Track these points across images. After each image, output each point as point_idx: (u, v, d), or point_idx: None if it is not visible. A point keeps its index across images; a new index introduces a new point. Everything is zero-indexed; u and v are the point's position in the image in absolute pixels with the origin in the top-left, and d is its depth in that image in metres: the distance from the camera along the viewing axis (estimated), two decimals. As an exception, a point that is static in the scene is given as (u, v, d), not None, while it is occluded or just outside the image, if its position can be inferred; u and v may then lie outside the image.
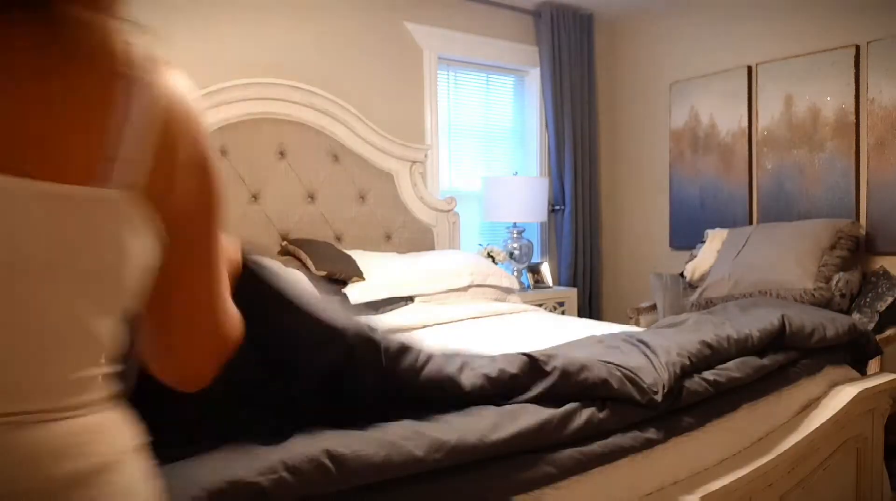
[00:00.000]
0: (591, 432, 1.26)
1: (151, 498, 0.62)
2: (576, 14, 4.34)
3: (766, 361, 1.70)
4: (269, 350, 0.98)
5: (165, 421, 0.74)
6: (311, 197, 3.28)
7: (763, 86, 3.75)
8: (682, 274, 3.74)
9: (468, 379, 1.18)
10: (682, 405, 1.47)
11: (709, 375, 1.54)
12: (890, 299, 2.91)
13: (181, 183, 0.60)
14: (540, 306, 3.69)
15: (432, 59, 3.86)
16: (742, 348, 1.65)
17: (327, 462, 0.93)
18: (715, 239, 3.64)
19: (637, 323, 3.69)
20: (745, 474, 1.43)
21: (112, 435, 0.58)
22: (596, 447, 1.26)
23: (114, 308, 0.58)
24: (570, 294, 4.10)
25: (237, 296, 0.74)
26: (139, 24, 0.58)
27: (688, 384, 1.48)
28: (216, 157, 0.64)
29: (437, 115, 3.91)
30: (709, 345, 1.56)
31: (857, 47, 3.35)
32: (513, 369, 1.24)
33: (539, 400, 1.22)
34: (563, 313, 3.97)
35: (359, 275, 2.89)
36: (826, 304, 2.98)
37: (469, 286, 3.21)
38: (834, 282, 3.04)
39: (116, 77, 0.55)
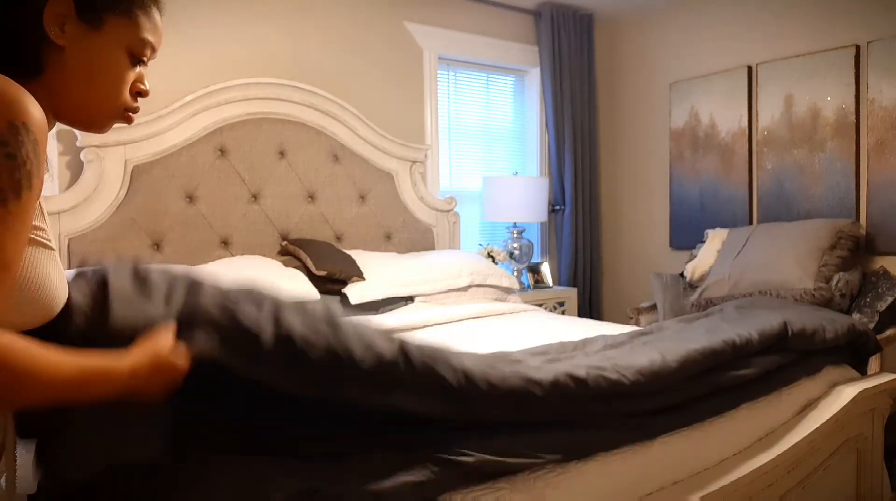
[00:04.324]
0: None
1: None
2: (576, 14, 4.34)
3: (766, 361, 1.70)
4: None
5: None
6: (311, 197, 3.29)
7: (763, 86, 3.75)
8: (682, 274, 3.74)
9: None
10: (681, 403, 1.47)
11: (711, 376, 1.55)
12: (890, 299, 2.91)
13: None
14: (540, 306, 3.70)
15: (432, 59, 3.86)
16: (743, 351, 1.64)
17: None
18: (715, 239, 3.64)
19: (637, 323, 3.69)
20: (745, 474, 1.43)
21: None
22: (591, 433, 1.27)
23: None
24: (570, 294, 4.10)
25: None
26: None
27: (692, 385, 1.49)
28: None
29: (437, 115, 3.91)
30: (712, 350, 1.56)
31: (857, 47, 3.35)
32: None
33: None
34: (563, 313, 3.97)
35: (359, 275, 2.89)
36: (826, 304, 2.98)
37: (469, 286, 3.22)
38: (834, 282, 3.04)
39: None
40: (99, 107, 0.89)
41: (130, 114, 0.92)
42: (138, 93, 0.92)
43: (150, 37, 0.90)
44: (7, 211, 0.71)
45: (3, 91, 0.72)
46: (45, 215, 0.84)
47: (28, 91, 0.77)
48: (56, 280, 0.84)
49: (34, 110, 0.75)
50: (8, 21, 0.79)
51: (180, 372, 0.87)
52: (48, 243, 0.84)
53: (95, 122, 0.90)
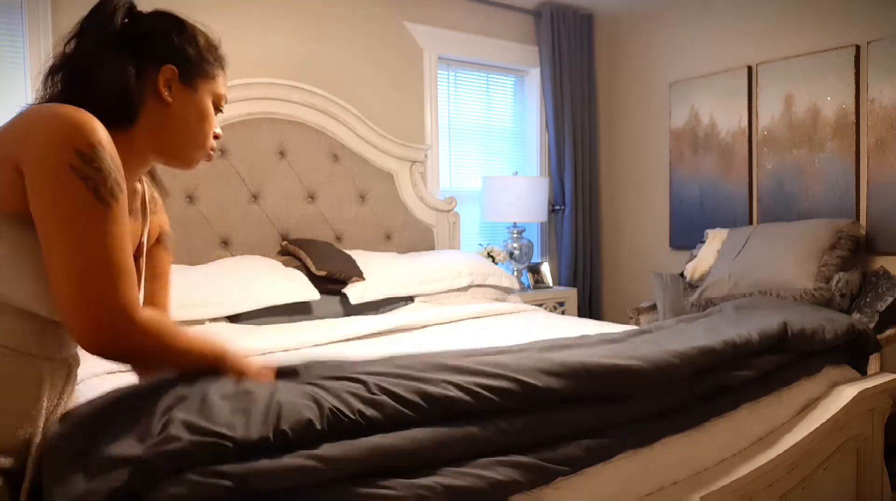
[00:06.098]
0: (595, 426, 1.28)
1: None
2: (576, 14, 4.34)
3: (766, 361, 1.70)
4: None
5: None
6: (311, 197, 3.29)
7: (763, 86, 3.75)
8: (682, 274, 3.74)
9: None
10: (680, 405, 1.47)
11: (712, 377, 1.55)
12: (890, 299, 2.91)
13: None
14: (540, 306, 3.70)
15: (432, 59, 3.86)
16: (743, 351, 1.64)
17: None
18: (715, 239, 3.64)
19: (637, 323, 3.69)
20: (745, 474, 1.43)
21: None
22: (594, 442, 1.27)
23: None
24: (570, 294, 4.10)
25: None
26: None
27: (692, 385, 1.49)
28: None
29: (437, 115, 3.91)
30: (712, 350, 1.56)
31: (857, 47, 3.36)
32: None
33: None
34: (563, 313, 3.97)
35: (359, 275, 2.89)
36: (826, 304, 2.98)
37: (469, 286, 3.22)
38: (834, 282, 3.04)
39: None
40: (195, 148, 1.12)
41: (212, 152, 1.16)
42: (214, 136, 1.16)
43: (224, 91, 1.16)
44: (113, 210, 0.92)
45: (76, 119, 0.91)
46: None
47: (127, 135, 1.03)
48: None
49: (103, 133, 0.94)
50: (121, 88, 1.02)
51: (264, 374, 1.15)
52: None
53: (190, 160, 1.13)
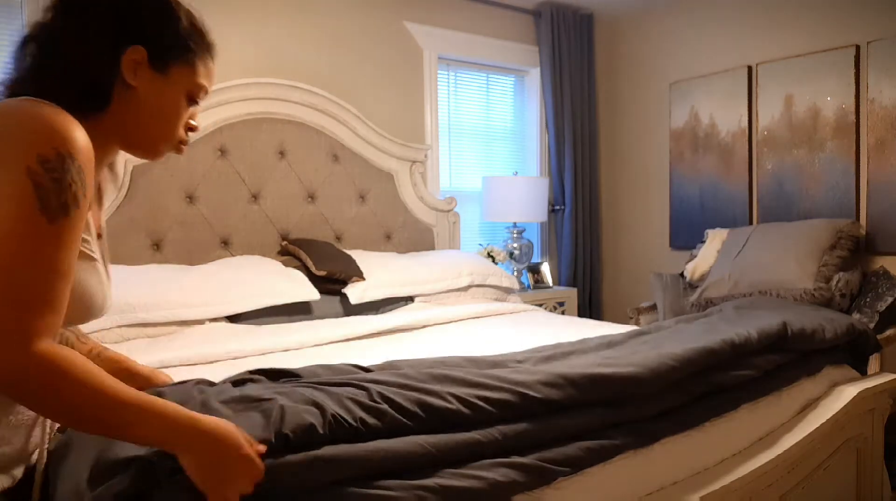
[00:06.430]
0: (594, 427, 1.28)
1: None
2: (576, 14, 4.34)
3: (766, 361, 1.71)
4: None
5: None
6: (311, 197, 3.29)
7: (763, 86, 3.75)
8: (682, 274, 3.74)
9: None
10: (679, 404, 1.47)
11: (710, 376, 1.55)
12: (890, 299, 2.91)
13: None
14: (540, 306, 3.70)
15: (432, 59, 3.86)
16: (742, 350, 1.65)
17: None
18: (715, 239, 3.64)
19: (637, 323, 3.69)
20: (745, 474, 1.43)
21: None
22: (594, 443, 1.26)
23: None
24: (570, 294, 4.10)
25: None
26: None
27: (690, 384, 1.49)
28: None
29: (437, 115, 3.91)
30: (711, 350, 1.56)
31: (857, 47, 3.35)
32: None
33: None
34: (563, 313, 3.97)
35: (359, 275, 2.89)
36: (826, 304, 2.98)
37: (469, 286, 3.22)
38: (834, 282, 3.04)
39: None
40: (159, 139, 1.03)
41: (182, 145, 1.06)
42: (189, 128, 1.07)
43: (204, 82, 1.05)
44: (58, 227, 0.83)
45: (53, 122, 0.85)
46: (92, 227, 0.97)
47: (97, 122, 0.94)
48: (94, 287, 0.97)
49: (80, 139, 0.86)
50: (89, 64, 0.93)
51: (249, 467, 0.87)
52: (91, 254, 0.96)
53: (155, 151, 1.04)
